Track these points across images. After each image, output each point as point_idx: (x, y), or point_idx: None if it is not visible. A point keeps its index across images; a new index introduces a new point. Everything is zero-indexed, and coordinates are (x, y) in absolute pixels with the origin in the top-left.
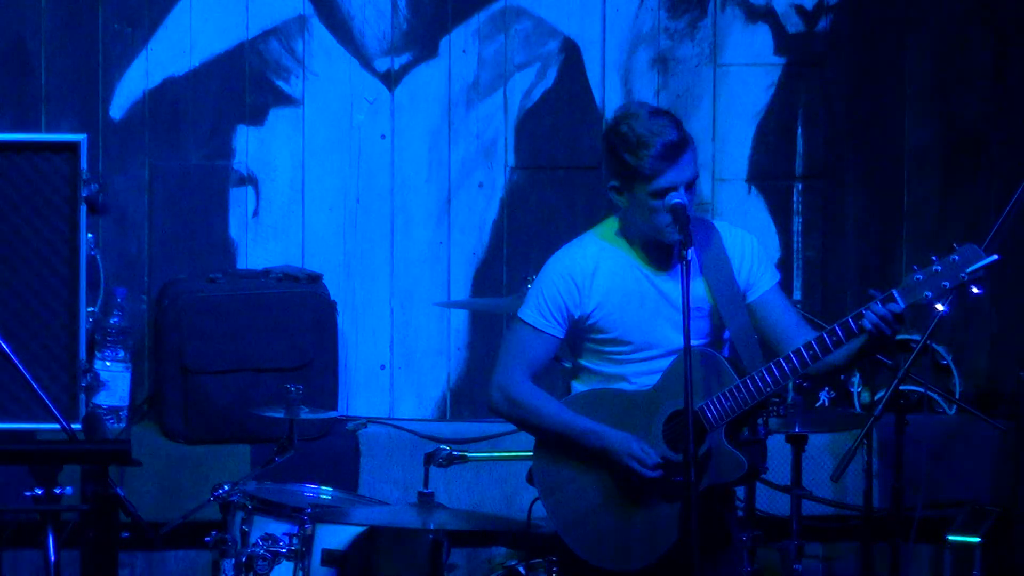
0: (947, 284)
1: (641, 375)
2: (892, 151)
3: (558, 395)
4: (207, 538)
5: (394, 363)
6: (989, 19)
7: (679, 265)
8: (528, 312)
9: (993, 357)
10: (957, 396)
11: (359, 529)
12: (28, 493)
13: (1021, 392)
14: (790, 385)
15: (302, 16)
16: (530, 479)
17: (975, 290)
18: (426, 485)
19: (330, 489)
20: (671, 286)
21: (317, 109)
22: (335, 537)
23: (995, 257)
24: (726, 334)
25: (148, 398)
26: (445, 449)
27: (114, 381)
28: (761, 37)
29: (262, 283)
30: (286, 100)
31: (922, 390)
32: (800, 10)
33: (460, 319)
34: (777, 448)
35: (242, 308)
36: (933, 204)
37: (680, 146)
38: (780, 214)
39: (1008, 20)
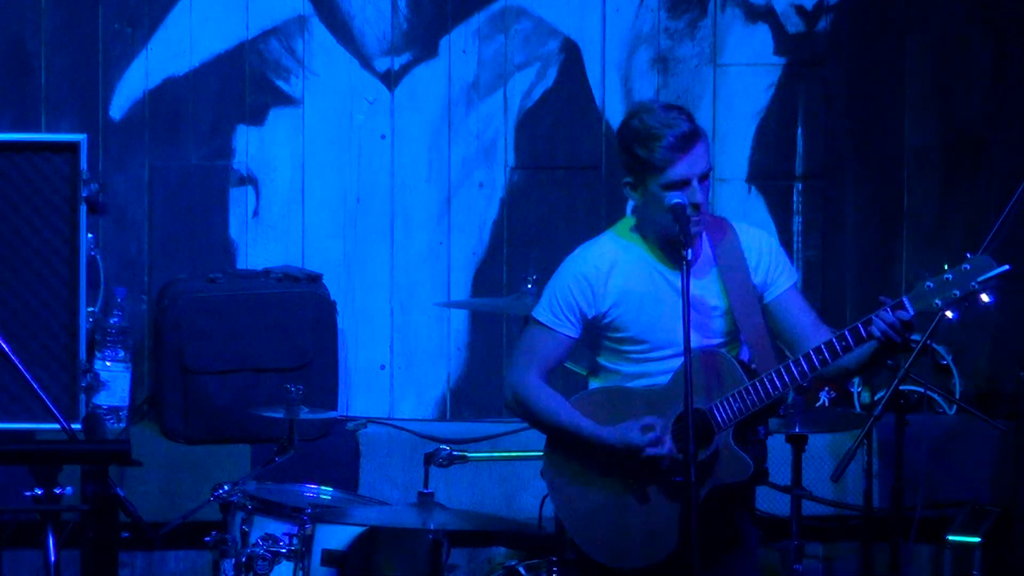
0: (957, 293)
1: (659, 374)
2: (892, 151)
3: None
4: (207, 538)
5: (394, 363)
6: (989, 19)
7: (696, 263)
8: (542, 312)
9: (993, 357)
10: (957, 396)
11: (359, 529)
12: (28, 493)
13: (1021, 392)
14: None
15: (302, 16)
16: (543, 475)
17: (985, 298)
18: (426, 485)
19: (330, 489)
20: (690, 284)
21: (317, 109)
22: (335, 537)
23: (1007, 267)
24: (743, 335)
25: (148, 398)
26: (445, 449)
27: (114, 381)
28: (761, 37)
29: (262, 283)
30: (286, 100)
31: (922, 390)
32: (800, 10)
33: (460, 319)
34: (777, 448)
35: (242, 308)
36: (933, 204)
37: (692, 137)
38: (780, 214)
39: (1008, 20)
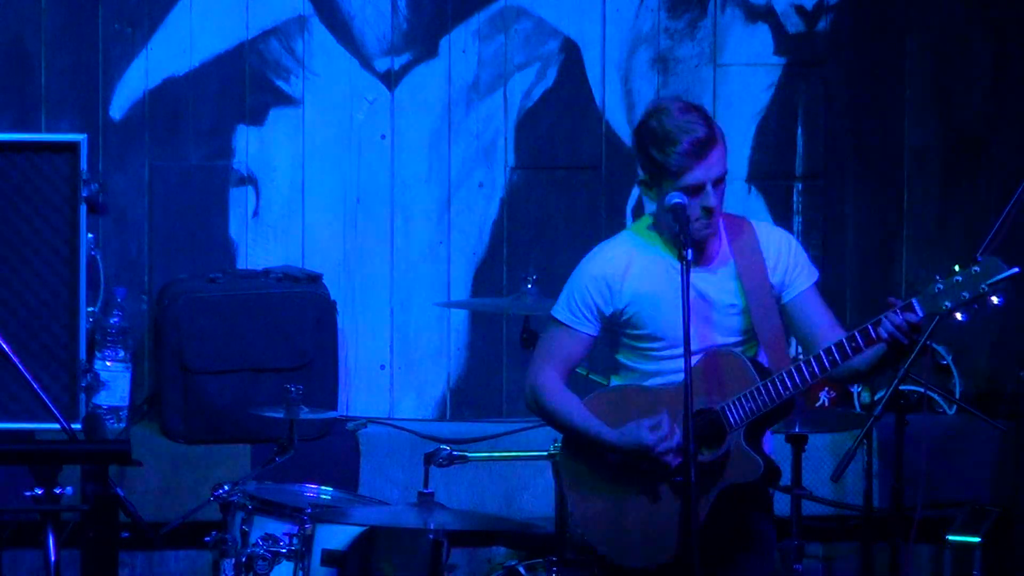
0: (967, 295)
1: (675, 372)
2: (892, 151)
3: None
4: (207, 538)
5: (394, 363)
6: (989, 19)
7: (713, 261)
8: (560, 310)
9: (993, 357)
10: (957, 396)
11: (359, 529)
12: (28, 493)
13: (1021, 392)
14: None
15: (302, 16)
16: (557, 474)
17: (995, 300)
18: (426, 485)
19: (330, 489)
20: (706, 283)
21: (317, 109)
22: (335, 537)
23: (1016, 269)
24: (759, 334)
25: (148, 398)
26: (445, 449)
27: (114, 381)
28: (761, 37)
29: (262, 283)
30: (286, 100)
31: (922, 390)
32: (800, 10)
33: (460, 319)
34: (777, 448)
35: (242, 308)
36: (933, 204)
37: (708, 143)
38: (780, 214)
39: (1008, 20)
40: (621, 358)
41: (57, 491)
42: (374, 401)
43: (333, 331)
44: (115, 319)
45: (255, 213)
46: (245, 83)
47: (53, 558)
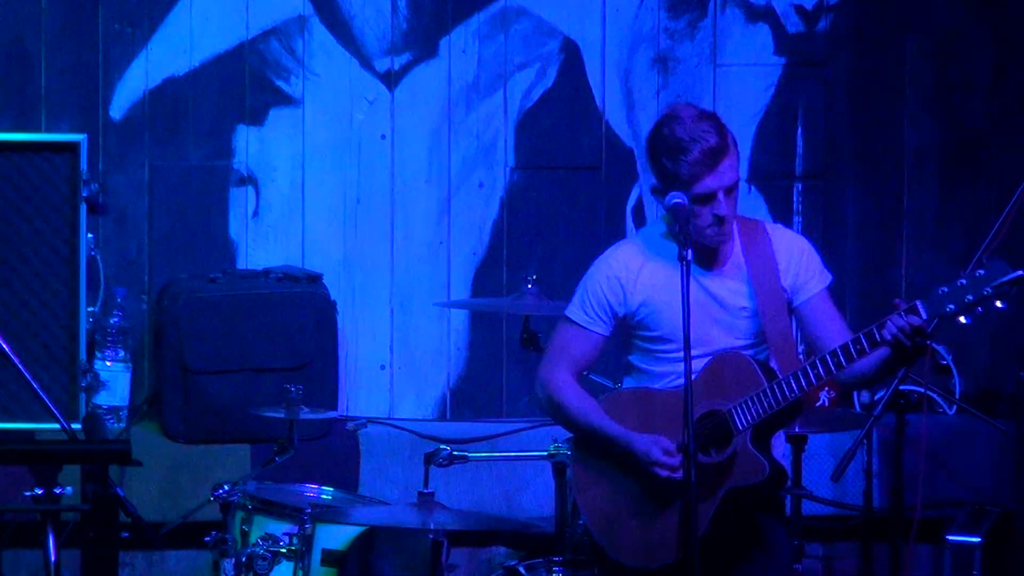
0: (971, 297)
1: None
2: (892, 151)
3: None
4: (207, 538)
5: (394, 363)
6: (989, 19)
7: (726, 264)
8: (574, 310)
9: (993, 357)
10: (957, 396)
11: (359, 529)
12: (28, 493)
13: (1021, 392)
14: None
15: (302, 16)
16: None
17: (999, 304)
18: (426, 485)
19: (330, 489)
20: (719, 286)
21: (317, 109)
22: (335, 537)
23: (1020, 272)
24: (768, 337)
25: (148, 398)
26: (445, 449)
27: (114, 381)
28: (761, 37)
29: (262, 283)
30: (286, 100)
31: (922, 390)
32: (800, 10)
33: (460, 319)
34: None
35: (242, 308)
36: (933, 204)
37: (719, 152)
38: (780, 214)
39: (1008, 20)
40: (633, 359)
41: (57, 491)
42: (374, 401)
43: (333, 331)
44: (115, 319)
45: (255, 213)
46: (245, 83)
47: (53, 558)
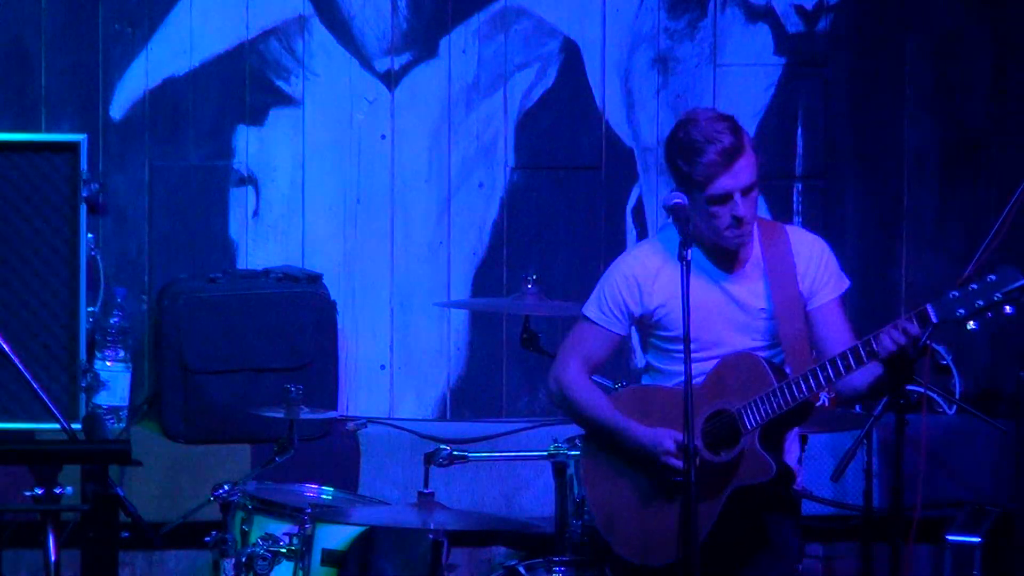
0: (981, 303)
1: (702, 374)
2: (892, 151)
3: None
4: (207, 538)
5: (394, 363)
6: (989, 19)
7: (745, 266)
8: (591, 308)
9: (993, 357)
10: (957, 396)
11: (359, 529)
12: (28, 493)
13: (1021, 392)
14: None
15: (302, 16)
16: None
17: (1008, 309)
18: (426, 485)
19: (330, 489)
20: (737, 288)
21: (317, 109)
22: (335, 537)
23: None
24: (782, 339)
25: (148, 398)
26: (445, 449)
27: (114, 381)
28: (761, 37)
29: (262, 283)
30: (286, 100)
31: (922, 390)
32: (800, 10)
33: (460, 319)
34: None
35: (242, 308)
36: (933, 204)
37: (734, 152)
38: (780, 214)
39: (1008, 20)
40: (650, 359)
41: (57, 491)
42: (374, 401)
43: (333, 331)
44: (115, 319)
45: (255, 213)
46: (245, 83)
47: (53, 558)
